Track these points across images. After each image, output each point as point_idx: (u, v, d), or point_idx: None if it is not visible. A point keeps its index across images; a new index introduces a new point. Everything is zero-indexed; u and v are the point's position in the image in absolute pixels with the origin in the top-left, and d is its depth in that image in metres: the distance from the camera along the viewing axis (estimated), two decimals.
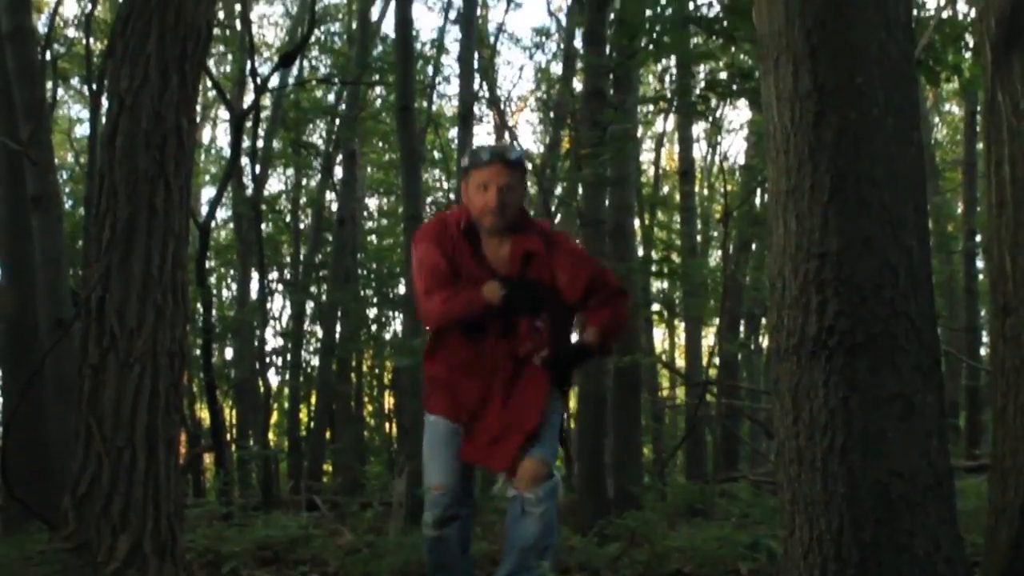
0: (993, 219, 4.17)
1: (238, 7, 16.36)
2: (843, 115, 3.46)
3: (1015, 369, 4.00)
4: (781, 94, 3.54)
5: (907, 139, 3.56)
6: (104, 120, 6.14)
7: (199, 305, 13.13)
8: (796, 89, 3.50)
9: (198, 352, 13.19)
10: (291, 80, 20.60)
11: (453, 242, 5.00)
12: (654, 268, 14.87)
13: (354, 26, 22.23)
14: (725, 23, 10.69)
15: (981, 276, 18.53)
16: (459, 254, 5.00)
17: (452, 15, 24.03)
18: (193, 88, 6.31)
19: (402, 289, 23.31)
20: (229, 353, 24.52)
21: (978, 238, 18.56)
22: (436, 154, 23.88)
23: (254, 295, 21.77)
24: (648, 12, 10.44)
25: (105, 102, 13.12)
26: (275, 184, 27.81)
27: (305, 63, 23.71)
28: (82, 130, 25.47)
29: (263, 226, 19.29)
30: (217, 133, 31.18)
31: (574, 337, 5.29)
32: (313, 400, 23.39)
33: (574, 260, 5.03)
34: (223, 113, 26.37)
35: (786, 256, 3.58)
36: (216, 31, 18.94)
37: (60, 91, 19.62)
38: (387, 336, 26.74)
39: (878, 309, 3.46)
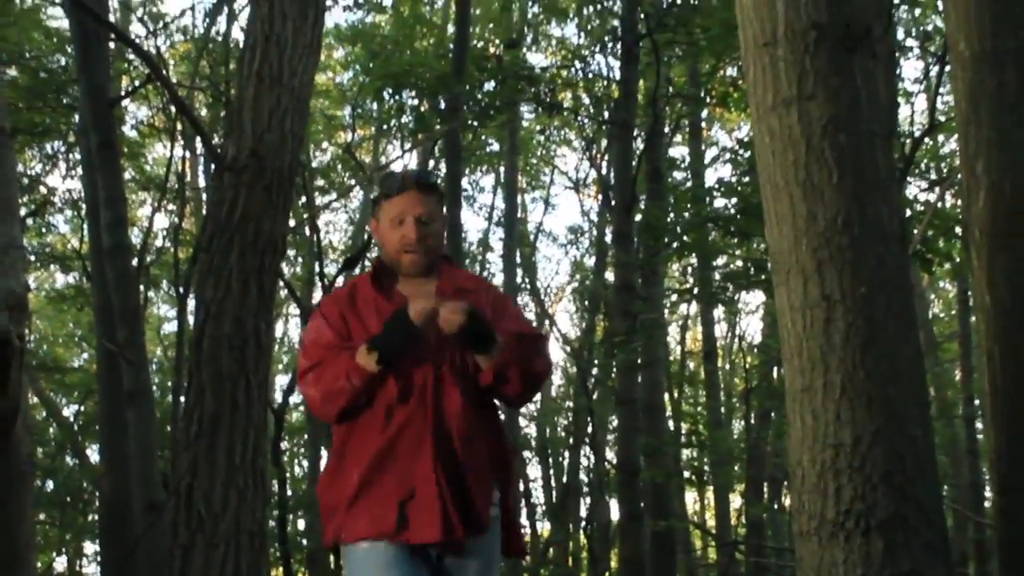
0: (988, 404, 4.19)
1: (307, 215, 16.67)
2: (848, 321, 3.50)
3: (1012, 543, 4.00)
4: (793, 304, 3.60)
5: (906, 339, 3.60)
6: (192, 321, 6.28)
7: (275, 483, 13.16)
8: (806, 299, 3.56)
9: (274, 524, 13.18)
10: None
11: (364, 303, 3.83)
12: (684, 439, 14.82)
13: None
14: (740, 222, 10.84)
15: (980, 436, 18.31)
16: (370, 315, 3.78)
17: (496, 217, 24.43)
18: (270, 295, 6.47)
19: None
20: (302, 524, 24.36)
21: (976, 402, 18.41)
22: None
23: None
24: (671, 215, 10.63)
25: (191, 303, 13.33)
26: None
27: (366, 263, 24.02)
28: (170, 327, 25.74)
29: None
30: (288, 327, 31.48)
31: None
32: None
33: (505, 312, 3.88)
34: (294, 308, 26.66)
35: (804, 447, 3.59)
36: (288, 238, 19.28)
37: (151, 294, 19.91)
38: None
39: (890, 494, 3.46)
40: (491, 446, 3.80)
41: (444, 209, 4.07)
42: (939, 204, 11.48)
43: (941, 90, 11.26)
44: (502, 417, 4.14)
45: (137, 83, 14.11)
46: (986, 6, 4.26)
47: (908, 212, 11.21)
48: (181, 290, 15.19)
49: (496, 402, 3.91)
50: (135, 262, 12.26)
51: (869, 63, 3.63)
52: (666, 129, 16.23)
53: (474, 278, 4.15)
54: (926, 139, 12.40)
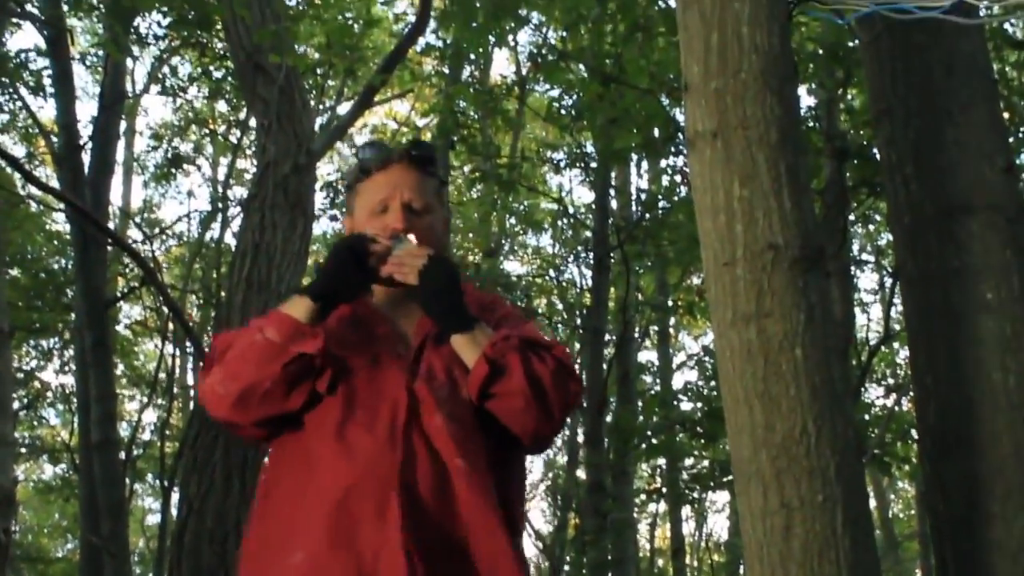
0: None
1: None
2: (807, 528, 3.49)
3: None
4: (753, 510, 3.59)
5: (864, 546, 3.59)
6: (175, 514, 6.21)
7: None
8: (765, 506, 3.56)
9: None
10: None
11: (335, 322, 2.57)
12: None
13: None
14: (706, 425, 10.85)
15: None
16: (339, 334, 2.54)
17: None
18: (252, 488, 6.42)
19: None
20: None
21: None
22: None
23: None
24: (640, 418, 10.64)
25: (175, 495, 13.17)
26: None
27: None
28: (154, 519, 25.31)
29: None
30: None
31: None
32: None
33: (512, 324, 2.65)
34: None
35: None
36: None
37: (136, 486, 19.66)
38: None
39: None
40: (494, 521, 2.38)
41: (445, 203, 2.94)
42: (895, 409, 11.55)
43: (895, 300, 11.44)
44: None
45: (133, 285, 14.22)
46: (932, 230, 4.38)
47: (866, 416, 11.26)
48: (166, 483, 14.99)
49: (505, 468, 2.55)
50: (122, 456, 12.14)
51: (823, 281, 3.71)
52: (636, 335, 16.37)
53: (491, 296, 2.93)
54: (882, 347, 12.54)
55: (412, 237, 2.57)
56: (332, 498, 2.33)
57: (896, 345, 15.62)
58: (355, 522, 2.31)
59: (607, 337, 14.23)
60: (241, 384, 2.43)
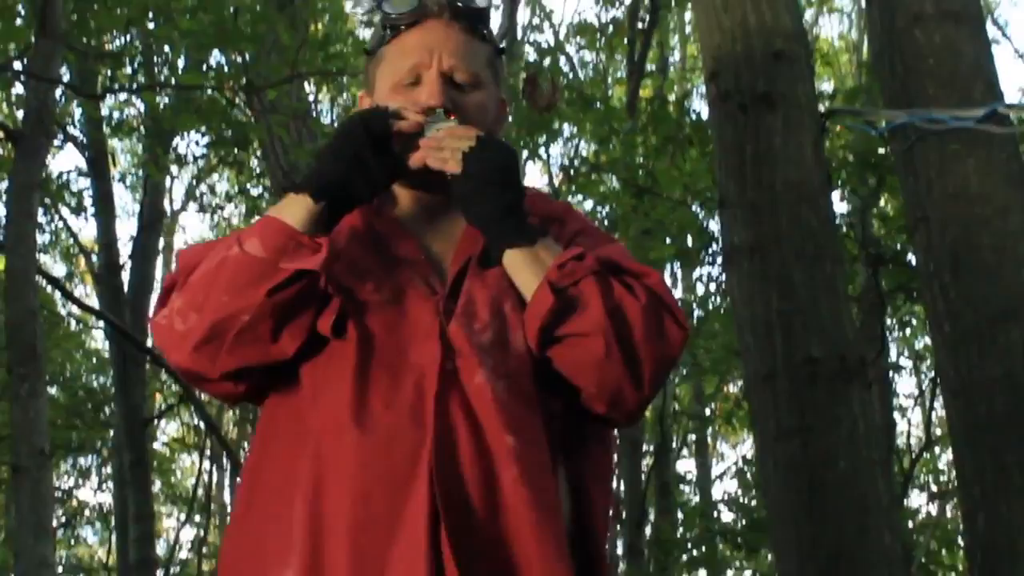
0: None
1: None
2: None
3: None
4: None
5: None
6: None
7: None
8: None
9: None
10: None
11: (344, 237, 1.83)
12: None
13: None
14: (747, 536, 10.71)
15: None
16: (348, 255, 1.81)
17: None
18: None
19: None
20: None
21: None
22: None
23: None
24: (680, 530, 10.52)
25: None
26: None
27: None
28: None
29: None
30: None
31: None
32: None
33: (591, 240, 1.85)
34: None
35: None
36: None
37: None
38: None
39: None
40: (551, 537, 1.63)
41: (503, 77, 2.01)
42: (940, 518, 11.37)
43: (935, 405, 11.33)
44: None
45: (171, 403, 14.28)
46: (974, 338, 4.35)
47: (910, 524, 11.09)
48: None
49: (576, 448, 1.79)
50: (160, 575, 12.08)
51: (864, 392, 3.69)
52: (673, 445, 16.25)
53: (562, 205, 2.08)
54: (924, 453, 12.39)
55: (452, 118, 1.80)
56: (332, 496, 1.62)
57: (938, 450, 15.42)
58: (361, 528, 1.59)
59: (644, 447, 14.14)
60: (209, 317, 1.67)
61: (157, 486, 17.61)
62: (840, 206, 10.77)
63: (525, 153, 11.46)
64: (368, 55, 1.95)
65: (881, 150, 7.92)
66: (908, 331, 14.77)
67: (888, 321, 9.98)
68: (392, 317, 1.73)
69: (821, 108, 4.63)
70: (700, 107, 11.41)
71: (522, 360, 1.72)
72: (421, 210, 1.89)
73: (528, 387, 1.71)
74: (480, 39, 1.89)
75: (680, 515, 12.85)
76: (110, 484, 15.51)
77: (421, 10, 1.86)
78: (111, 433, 13.67)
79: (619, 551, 16.78)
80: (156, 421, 14.44)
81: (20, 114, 9.64)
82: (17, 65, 8.73)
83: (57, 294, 12.83)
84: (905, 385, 29.76)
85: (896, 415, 13.13)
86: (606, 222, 11.18)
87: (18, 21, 8.01)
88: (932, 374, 11.40)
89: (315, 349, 1.72)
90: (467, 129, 1.76)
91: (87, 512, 18.33)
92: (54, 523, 14.59)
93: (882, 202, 10.06)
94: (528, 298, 1.71)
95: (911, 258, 6.99)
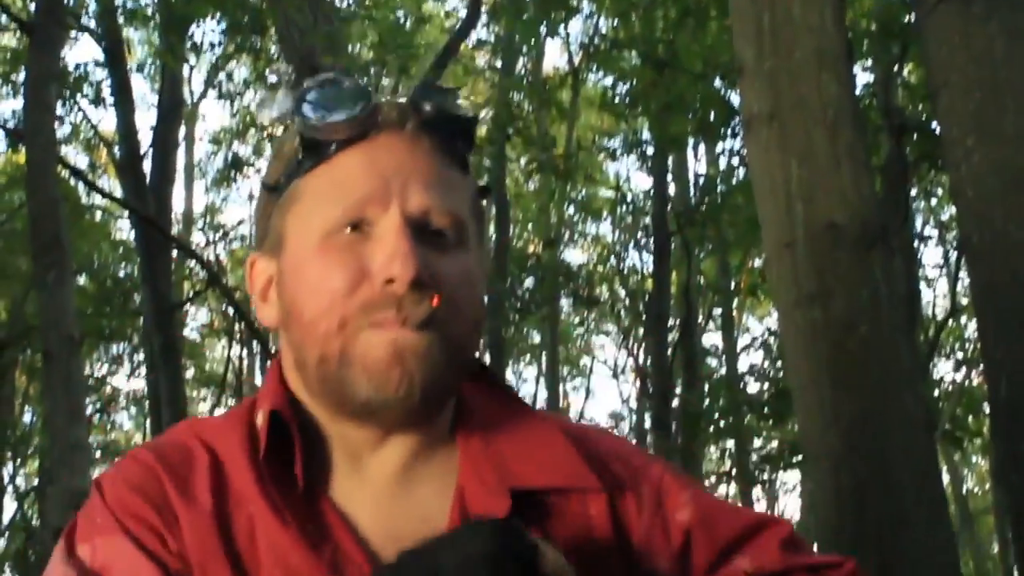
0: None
1: None
2: (880, 506, 3.47)
3: None
4: (825, 490, 3.57)
5: (940, 523, 3.56)
6: None
7: None
8: (838, 485, 3.53)
9: None
10: None
11: (212, 499, 1.06)
12: None
13: None
14: (773, 405, 10.80)
15: None
16: (242, 530, 1.04)
17: (539, 406, 24.34)
18: None
19: None
20: None
21: (1015, 573, 17.95)
22: None
23: None
24: (707, 401, 10.60)
25: None
26: None
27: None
28: None
29: None
30: None
31: None
32: None
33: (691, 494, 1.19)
34: None
35: None
36: None
37: None
38: None
39: None
40: None
41: (485, 226, 1.34)
42: (966, 384, 11.42)
43: (961, 274, 11.31)
44: None
45: (198, 289, 14.40)
46: (997, 202, 4.31)
47: (936, 392, 11.14)
48: None
49: None
50: None
51: (887, 259, 3.67)
52: (699, 319, 16.31)
53: (618, 441, 1.31)
54: (950, 321, 12.40)
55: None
56: None
57: (964, 319, 15.43)
58: None
59: (671, 322, 14.19)
60: None
61: (190, 372, 17.86)
62: (864, 77, 10.64)
63: (544, 31, 11.32)
64: (270, 192, 1.18)
65: (904, 19, 7.80)
66: (934, 201, 14.69)
67: (913, 191, 9.91)
68: None
69: None
70: None
71: None
72: (385, 481, 1.16)
73: None
74: (460, 168, 1.18)
75: (707, 387, 12.95)
76: (142, 370, 15.72)
77: (370, 118, 1.13)
78: (141, 320, 13.81)
79: (647, 424, 16.96)
80: (185, 306, 14.56)
81: (33, 7, 9.57)
82: None
83: (81, 185, 12.87)
84: (932, 256, 29.70)
85: (923, 285, 13.14)
86: (627, 99, 11.08)
87: None
88: (957, 243, 11.35)
89: None
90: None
91: (121, 398, 18.63)
92: (89, 409, 14.88)
93: (906, 72, 9.92)
94: None
95: (935, 126, 6.91)
